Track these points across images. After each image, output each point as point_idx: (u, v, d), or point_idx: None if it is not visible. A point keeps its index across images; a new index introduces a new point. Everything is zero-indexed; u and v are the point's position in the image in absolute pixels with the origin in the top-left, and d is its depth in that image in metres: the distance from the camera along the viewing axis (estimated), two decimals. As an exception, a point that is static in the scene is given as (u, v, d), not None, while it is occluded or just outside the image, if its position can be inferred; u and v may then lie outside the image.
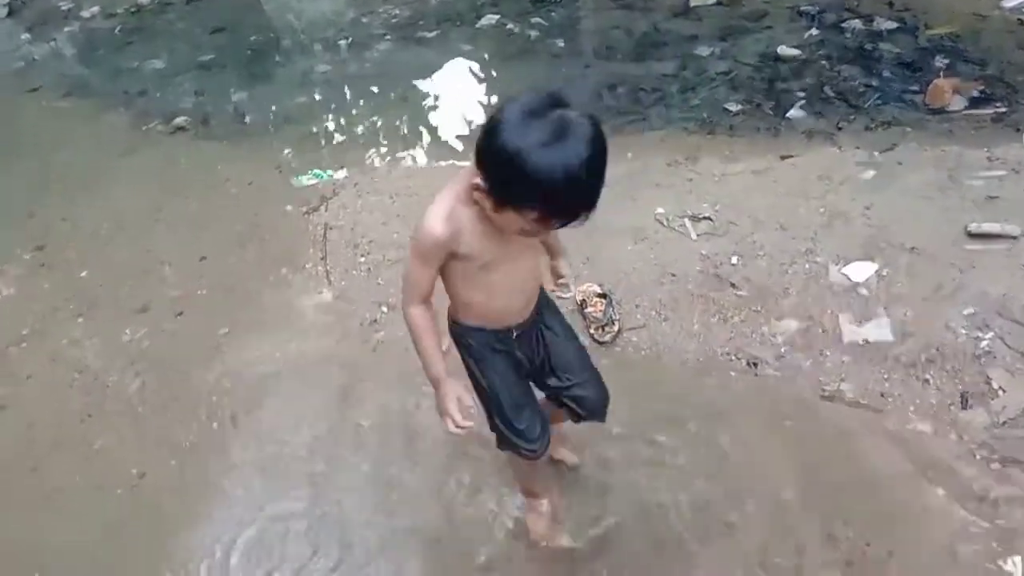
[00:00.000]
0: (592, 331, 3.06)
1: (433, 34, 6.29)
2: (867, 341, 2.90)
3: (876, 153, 3.94)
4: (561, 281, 2.21)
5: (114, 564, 2.57)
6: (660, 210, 3.65)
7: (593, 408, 2.21)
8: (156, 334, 3.49)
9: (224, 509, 2.68)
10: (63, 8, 8.17)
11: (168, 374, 3.25)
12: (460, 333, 2.05)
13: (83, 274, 3.96)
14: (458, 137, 4.82)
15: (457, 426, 1.93)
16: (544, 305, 2.10)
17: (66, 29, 7.63)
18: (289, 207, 4.17)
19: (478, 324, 2.01)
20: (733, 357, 2.93)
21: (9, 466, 2.99)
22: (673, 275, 3.30)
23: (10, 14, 8.11)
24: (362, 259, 3.67)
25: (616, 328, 3.05)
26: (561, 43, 5.77)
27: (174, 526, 2.64)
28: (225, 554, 2.53)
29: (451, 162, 4.47)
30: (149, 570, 2.52)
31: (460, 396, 1.95)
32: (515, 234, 1.73)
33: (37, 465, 2.97)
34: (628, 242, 3.47)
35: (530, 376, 2.16)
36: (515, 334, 2.04)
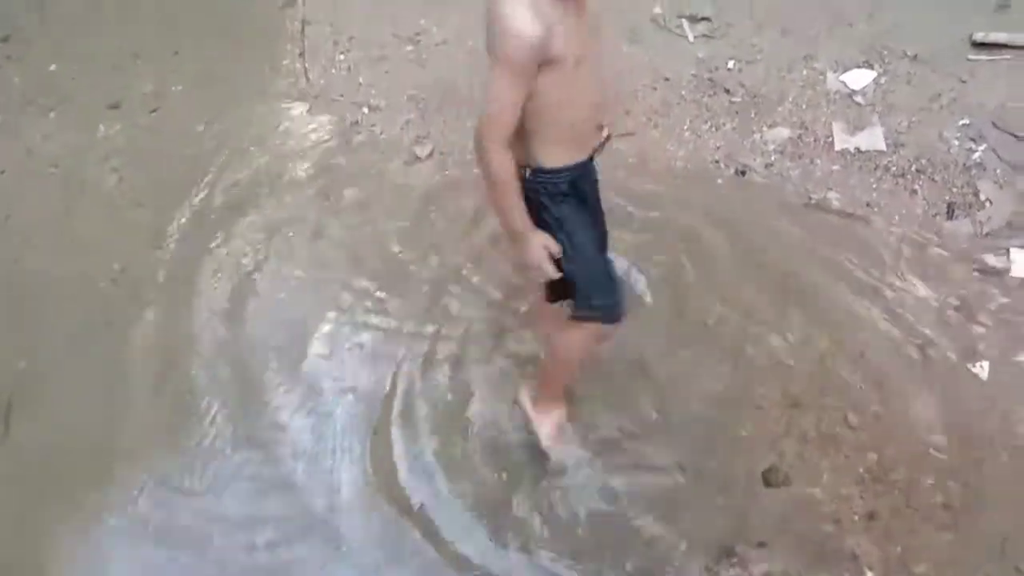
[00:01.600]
0: None
1: None
2: (859, 150, 2.85)
3: (888, -46, 3.71)
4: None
5: (98, 353, 2.61)
6: (657, 10, 3.46)
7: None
8: (131, 129, 3.38)
9: (200, 300, 2.70)
10: None
11: (145, 170, 3.18)
12: (543, 184, 1.81)
13: (52, 67, 3.77)
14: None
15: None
16: None
17: None
18: (264, 0, 3.93)
19: (564, 162, 1.80)
20: (722, 164, 2.88)
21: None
22: (667, 79, 3.19)
23: None
24: (341, 57, 3.51)
25: (605, 134, 2.95)
26: None
27: (156, 319, 2.67)
28: (205, 346, 2.58)
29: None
30: (130, 361, 2.57)
31: (547, 244, 1.79)
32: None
33: (17, 258, 2.95)
34: (622, 43, 3.32)
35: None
36: (593, 158, 1.90)
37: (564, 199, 1.84)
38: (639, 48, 3.33)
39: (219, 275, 2.76)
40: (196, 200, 3.01)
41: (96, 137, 3.37)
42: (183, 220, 2.96)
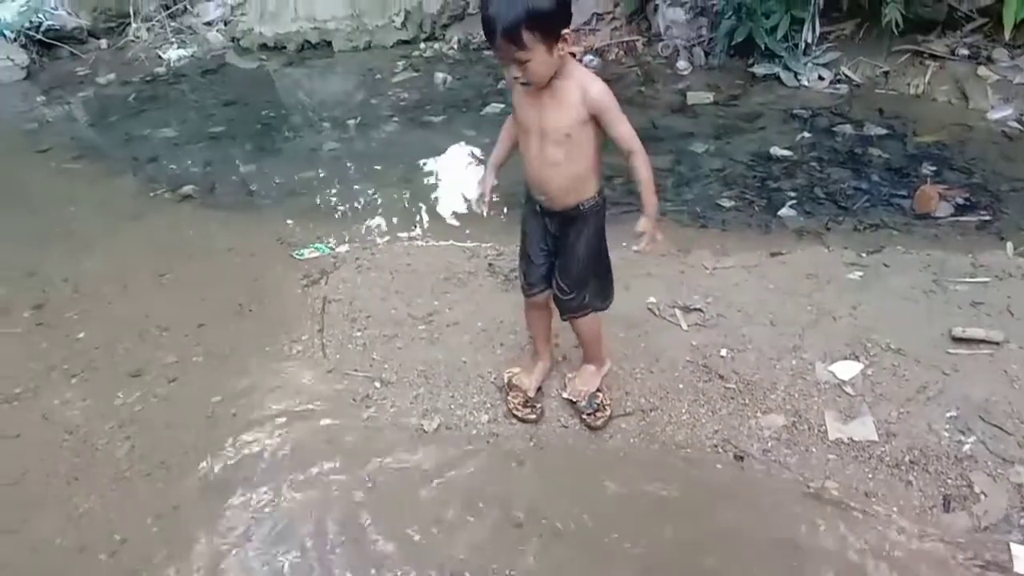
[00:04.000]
0: (584, 416, 3.10)
1: (439, 119, 6.50)
2: (852, 439, 2.94)
3: (863, 254, 4.07)
4: (639, 236, 2.64)
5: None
6: (652, 299, 3.73)
7: (559, 306, 2.97)
8: (148, 399, 3.50)
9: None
10: (80, 73, 8.41)
11: (157, 439, 3.25)
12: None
13: (80, 335, 3.99)
14: (456, 216, 4.94)
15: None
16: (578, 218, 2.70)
17: (80, 94, 7.85)
18: (289, 279, 4.25)
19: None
20: (720, 449, 2.96)
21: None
22: (662, 364, 3.37)
23: (27, 76, 8.33)
24: (358, 333, 3.73)
25: (608, 413, 3.09)
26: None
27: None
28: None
29: (450, 241, 4.57)
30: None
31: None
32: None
33: (19, 527, 2.94)
34: (620, 329, 3.53)
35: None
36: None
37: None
38: (635, 333, 3.54)
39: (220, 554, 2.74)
40: (203, 474, 3.05)
41: (113, 405, 3.47)
42: (188, 494, 2.98)
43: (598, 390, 3.14)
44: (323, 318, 3.87)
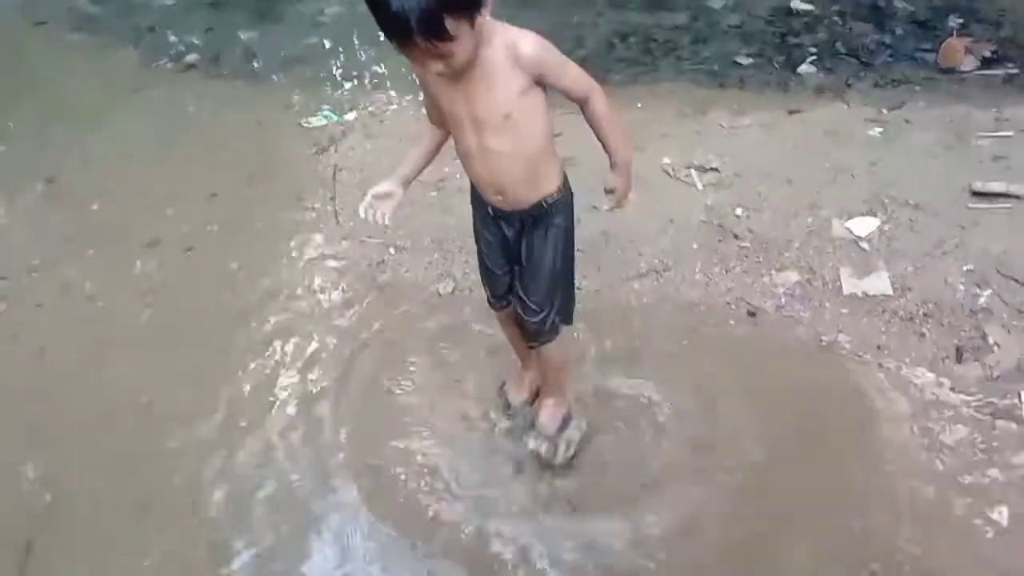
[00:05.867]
0: (533, 443, 2.53)
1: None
2: (866, 294, 2.95)
3: (884, 110, 3.96)
4: (608, 193, 2.15)
5: (125, 488, 2.63)
6: (667, 160, 3.67)
7: (525, 331, 2.35)
8: (166, 268, 3.54)
9: (227, 435, 2.75)
10: (72, -60, 8.06)
11: (178, 306, 3.31)
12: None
13: (93, 207, 3.99)
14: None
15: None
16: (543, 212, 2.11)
17: (75, -38, 7.54)
18: (299, 147, 4.19)
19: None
20: (733, 305, 2.98)
21: (21, 393, 3.05)
22: (677, 225, 3.34)
23: (18, -55, 7.98)
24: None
25: (571, 452, 2.52)
26: (574, -11, 5.73)
27: (180, 455, 2.71)
28: (224, 482, 2.61)
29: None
30: (154, 500, 2.58)
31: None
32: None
33: (49, 392, 3.03)
34: (635, 190, 3.48)
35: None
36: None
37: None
38: (650, 195, 3.50)
39: (244, 413, 2.83)
40: (224, 338, 3.11)
41: (132, 274, 3.52)
42: (211, 357, 3.04)
43: (565, 420, 2.56)
44: (335, 185, 3.84)
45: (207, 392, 2.89)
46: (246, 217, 3.75)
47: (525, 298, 2.23)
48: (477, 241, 2.32)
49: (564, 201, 2.13)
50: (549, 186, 2.08)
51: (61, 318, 3.36)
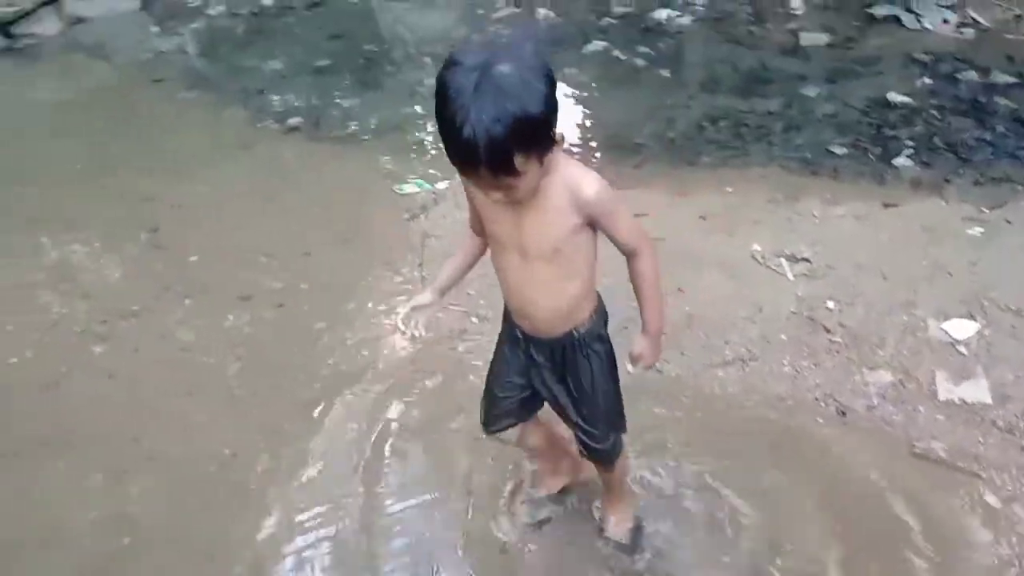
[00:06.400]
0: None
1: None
2: (963, 401, 2.83)
3: (985, 209, 3.86)
4: (634, 358, 2.07)
5: (200, 536, 2.68)
6: (757, 247, 3.64)
7: (592, 458, 2.30)
8: (257, 322, 3.65)
9: (304, 494, 2.78)
10: (191, 5, 8.59)
11: (266, 360, 3.40)
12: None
13: (192, 259, 4.16)
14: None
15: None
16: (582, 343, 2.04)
17: (192, 25, 8.02)
18: (391, 212, 4.31)
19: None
20: (822, 402, 2.90)
21: (111, 431, 3.15)
22: (766, 314, 3.29)
23: (143, 7, 8.57)
24: (457, 269, 3.77)
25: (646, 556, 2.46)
26: (667, 73, 5.82)
27: (258, 508, 2.75)
28: (298, 541, 2.63)
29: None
30: (231, 546, 2.62)
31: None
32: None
33: (138, 436, 3.13)
34: (722, 276, 3.47)
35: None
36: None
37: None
38: (738, 281, 3.47)
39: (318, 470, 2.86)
40: (308, 394, 3.18)
41: (224, 326, 3.64)
42: (293, 413, 3.10)
43: (637, 527, 2.53)
44: (423, 252, 3.92)
45: (289, 448, 2.95)
46: (336, 277, 3.85)
47: (588, 428, 2.17)
48: (495, 356, 2.25)
49: (596, 326, 2.05)
50: (581, 315, 2.01)
51: (155, 363, 3.48)
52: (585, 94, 5.69)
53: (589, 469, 2.47)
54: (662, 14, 6.74)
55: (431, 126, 5.45)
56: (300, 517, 2.69)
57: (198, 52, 7.42)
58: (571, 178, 1.76)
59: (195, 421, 3.15)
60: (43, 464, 3.02)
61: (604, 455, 2.24)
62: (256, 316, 3.69)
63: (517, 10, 7.49)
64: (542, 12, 7.28)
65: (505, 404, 2.25)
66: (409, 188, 4.55)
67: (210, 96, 6.31)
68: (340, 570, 2.52)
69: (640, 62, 6.00)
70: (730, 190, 4.17)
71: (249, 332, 3.60)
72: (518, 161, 1.57)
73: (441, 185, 4.56)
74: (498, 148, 1.53)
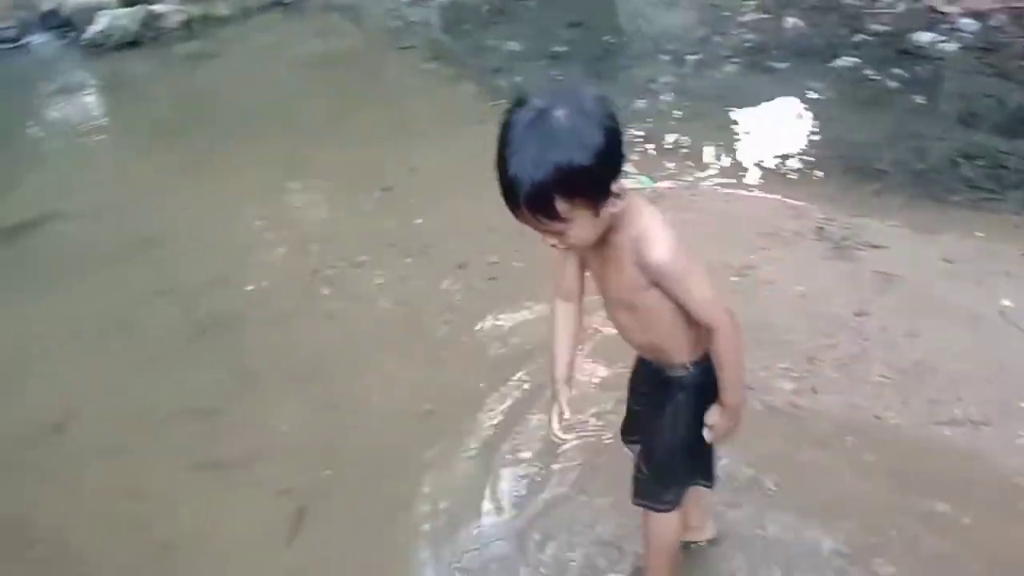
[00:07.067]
0: None
1: (783, 65, 6.15)
2: None
3: None
4: (709, 428, 1.95)
5: (387, 486, 2.82)
6: (1007, 303, 3.31)
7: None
8: (468, 290, 3.78)
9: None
10: (442, -21, 9.01)
11: (473, 328, 3.51)
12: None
13: (418, 221, 4.38)
14: (785, 171, 4.70)
15: None
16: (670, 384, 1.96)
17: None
18: (611, 204, 4.31)
19: None
20: (1063, 484, 2.60)
21: (325, 370, 3.39)
22: (1008, 376, 2.99)
23: (398, -23, 9.07)
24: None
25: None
26: (921, 99, 5.41)
27: (452, 456, 2.87)
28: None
29: (777, 196, 4.36)
30: (415, 497, 2.74)
31: None
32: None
33: (349, 376, 3.34)
34: (962, 327, 3.19)
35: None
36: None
37: None
38: (980, 336, 3.18)
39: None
40: (506, 369, 3.25)
41: (439, 289, 3.80)
42: (491, 376, 3.20)
43: None
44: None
45: (483, 413, 3.04)
46: (547, 258, 3.89)
47: (640, 459, 2.11)
48: (632, 368, 2.19)
49: (694, 383, 1.94)
50: (678, 358, 1.92)
51: (371, 313, 3.71)
52: (826, 110, 5.41)
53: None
54: (924, 37, 6.25)
55: (659, 123, 5.39)
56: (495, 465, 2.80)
57: (443, 26, 7.75)
58: (640, 237, 1.70)
59: (400, 373, 3.33)
60: (267, 391, 3.32)
61: (638, 485, 2.11)
62: (468, 284, 3.82)
63: (765, 16, 7.24)
64: (791, 21, 6.99)
65: (633, 415, 2.23)
66: (630, 183, 4.50)
67: (449, 69, 6.59)
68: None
69: (892, 84, 5.61)
70: (980, 235, 3.82)
71: (460, 299, 3.73)
72: (562, 207, 1.55)
73: (664, 184, 4.51)
74: (537, 191, 1.53)
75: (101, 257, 4.33)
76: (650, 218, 1.73)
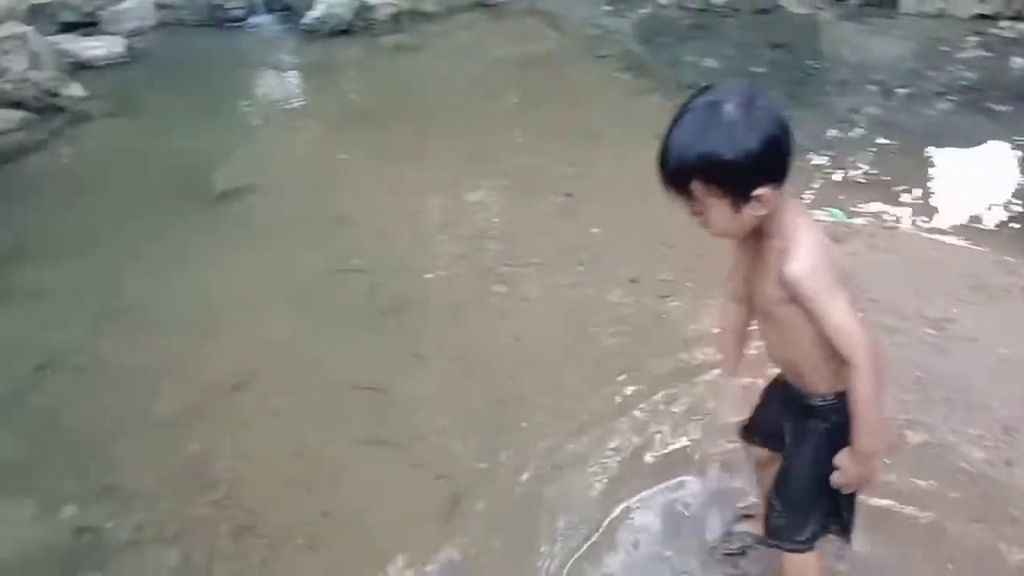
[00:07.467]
0: None
1: (1005, 108, 5.67)
2: None
3: None
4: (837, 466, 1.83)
5: (544, 481, 2.82)
6: None
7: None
8: (639, 306, 3.72)
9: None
10: (646, -8, 8.97)
11: (638, 344, 3.45)
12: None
13: (595, 230, 4.36)
14: (1000, 225, 4.32)
15: None
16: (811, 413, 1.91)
17: (641, 11, 8.36)
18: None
19: None
20: None
21: (495, 365, 3.42)
22: None
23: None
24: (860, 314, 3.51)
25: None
26: None
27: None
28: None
29: (986, 249, 4.02)
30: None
31: None
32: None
33: (513, 375, 3.36)
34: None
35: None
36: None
37: None
38: None
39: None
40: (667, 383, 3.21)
41: (608, 300, 3.78)
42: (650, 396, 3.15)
43: None
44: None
45: (638, 435, 2.99)
46: (720, 280, 3.77)
47: (774, 489, 2.05)
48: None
49: (832, 407, 1.86)
50: (819, 387, 1.87)
51: (541, 316, 3.71)
52: None
53: None
54: None
55: (857, 155, 5.12)
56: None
57: (641, 37, 7.71)
58: (784, 247, 1.71)
59: (564, 380, 3.31)
60: (434, 377, 3.41)
61: (770, 523, 2.05)
62: (638, 300, 3.76)
63: (988, 54, 6.71)
64: (1018, 62, 6.44)
65: (764, 416, 2.19)
66: (822, 215, 4.31)
67: (641, 81, 6.55)
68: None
69: None
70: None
71: (629, 312, 3.68)
72: (697, 188, 1.69)
73: (858, 220, 4.26)
74: (678, 168, 1.70)
75: (294, 230, 4.61)
76: (802, 233, 1.72)
